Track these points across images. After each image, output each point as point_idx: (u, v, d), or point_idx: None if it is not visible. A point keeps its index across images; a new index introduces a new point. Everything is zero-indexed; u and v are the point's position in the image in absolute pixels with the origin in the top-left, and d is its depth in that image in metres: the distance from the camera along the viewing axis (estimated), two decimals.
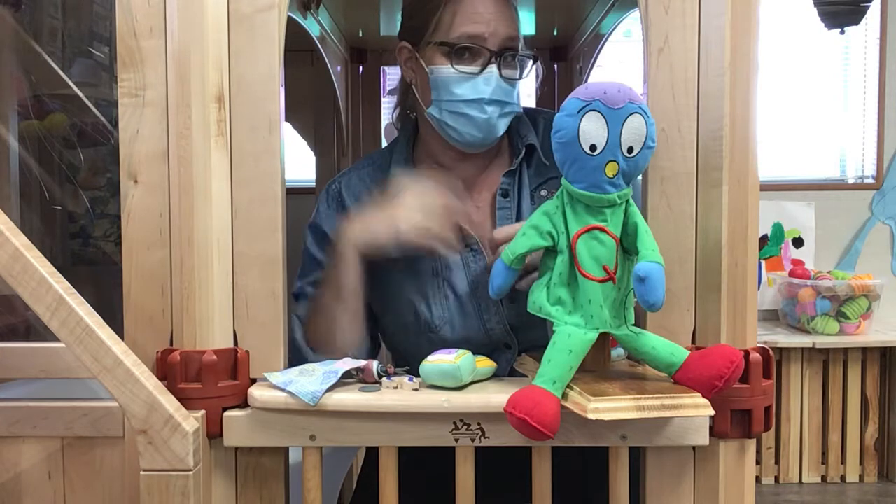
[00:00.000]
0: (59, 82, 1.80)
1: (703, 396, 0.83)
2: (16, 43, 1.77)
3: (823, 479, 2.95)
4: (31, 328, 1.32)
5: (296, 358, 1.07)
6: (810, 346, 2.85)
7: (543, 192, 1.14)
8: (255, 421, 0.91)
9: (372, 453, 1.24)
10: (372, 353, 1.19)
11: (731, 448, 0.92)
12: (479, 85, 1.08)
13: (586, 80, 1.76)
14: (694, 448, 0.93)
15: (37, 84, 1.79)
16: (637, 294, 0.81)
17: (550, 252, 0.90)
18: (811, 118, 3.33)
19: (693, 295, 0.94)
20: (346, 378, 0.94)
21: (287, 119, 1.01)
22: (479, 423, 0.89)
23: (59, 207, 1.90)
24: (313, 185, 2.07)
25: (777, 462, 2.94)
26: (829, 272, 2.98)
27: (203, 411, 0.89)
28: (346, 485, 1.76)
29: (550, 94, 2.01)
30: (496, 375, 0.99)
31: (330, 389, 0.90)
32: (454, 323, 1.11)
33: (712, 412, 0.83)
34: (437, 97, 1.10)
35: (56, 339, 0.82)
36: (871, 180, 3.24)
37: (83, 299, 0.83)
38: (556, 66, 1.99)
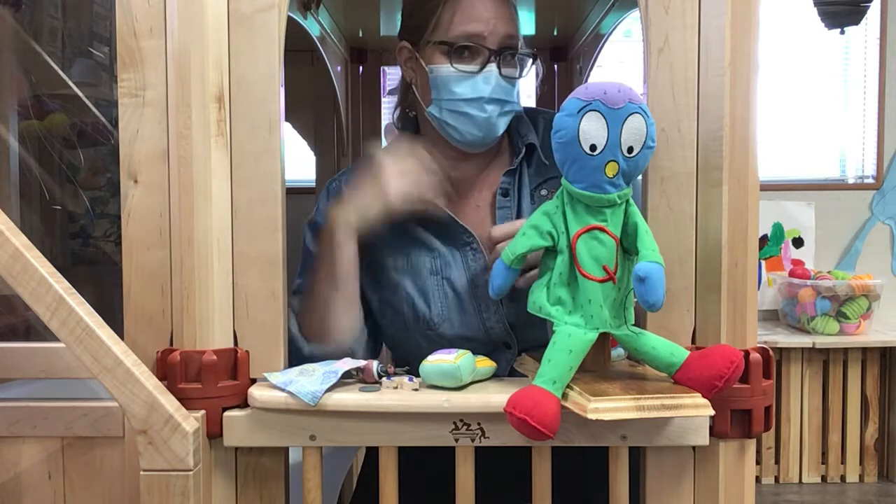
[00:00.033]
0: (59, 82, 1.80)
1: (703, 396, 0.83)
2: (16, 43, 1.77)
3: (823, 479, 2.95)
4: (31, 328, 1.32)
5: (291, 349, 1.08)
6: (810, 346, 2.85)
7: (544, 192, 1.14)
8: (255, 421, 0.91)
9: (372, 453, 1.24)
10: (373, 351, 1.18)
11: (731, 448, 0.92)
12: (478, 84, 1.08)
13: (586, 80, 1.76)
14: (694, 448, 0.93)
15: (37, 84, 1.79)
16: (637, 294, 0.81)
17: (550, 252, 0.90)
18: (811, 118, 3.33)
19: (693, 295, 0.94)
20: (346, 378, 0.94)
21: (287, 119, 1.01)
22: (479, 423, 0.89)
23: (59, 207, 1.90)
24: (313, 185, 2.07)
25: (777, 462, 2.94)
26: (829, 272, 2.98)
27: (203, 411, 0.89)
28: (346, 485, 1.76)
29: (550, 94, 2.00)
30: (496, 375, 0.99)
31: (330, 389, 0.90)
32: (453, 320, 1.11)
33: (712, 412, 0.83)
34: (436, 96, 1.10)
35: (56, 339, 0.82)
36: (871, 180, 3.24)
37: (83, 299, 0.83)
38: (556, 66, 1.99)
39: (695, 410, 0.82)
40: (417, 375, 0.92)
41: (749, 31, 0.91)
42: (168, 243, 0.93)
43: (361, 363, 0.94)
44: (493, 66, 1.08)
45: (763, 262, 3.19)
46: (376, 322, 1.18)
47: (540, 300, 0.89)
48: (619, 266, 0.86)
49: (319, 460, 0.92)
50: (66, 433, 0.94)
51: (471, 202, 1.17)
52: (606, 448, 0.92)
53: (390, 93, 1.61)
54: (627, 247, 0.87)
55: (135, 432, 0.82)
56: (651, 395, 0.82)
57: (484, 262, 1.10)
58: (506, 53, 1.09)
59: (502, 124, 1.11)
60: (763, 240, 3.19)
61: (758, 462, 2.91)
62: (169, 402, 0.83)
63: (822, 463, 2.95)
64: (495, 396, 0.88)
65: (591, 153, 0.84)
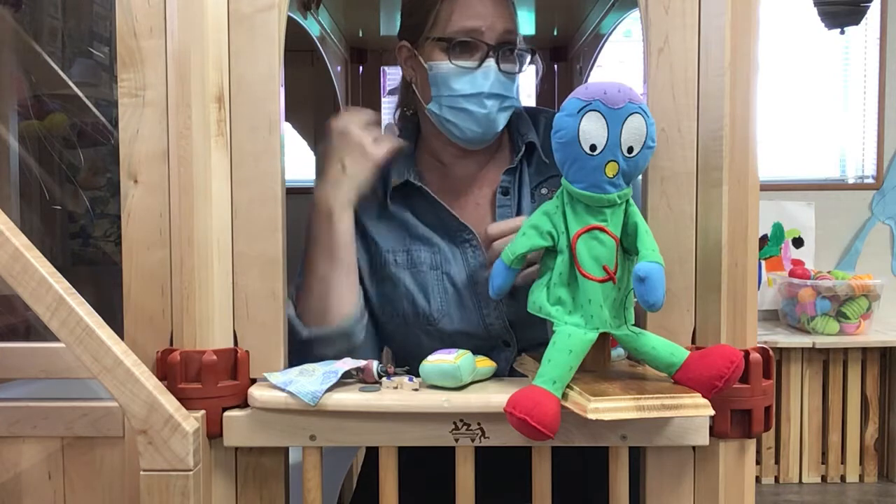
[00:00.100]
0: (59, 82, 1.80)
1: (703, 396, 0.83)
2: (16, 43, 1.77)
3: (823, 479, 2.95)
4: (31, 328, 1.32)
5: (290, 334, 1.08)
6: (810, 346, 2.85)
7: (544, 191, 1.14)
8: (255, 421, 0.91)
9: (372, 453, 1.24)
10: (375, 351, 1.18)
11: (731, 448, 0.92)
12: (477, 79, 1.08)
13: (586, 80, 1.76)
14: (694, 448, 0.93)
15: (37, 84, 1.79)
16: (637, 294, 0.81)
17: (550, 252, 0.90)
18: (811, 118, 3.33)
19: (693, 295, 0.94)
20: (346, 378, 0.94)
21: (287, 119, 1.01)
22: (479, 423, 0.89)
23: (59, 207, 1.90)
24: (313, 185, 2.06)
25: (777, 462, 2.94)
26: (829, 272, 2.98)
27: (203, 411, 0.89)
28: (346, 485, 1.76)
29: (550, 93, 2.00)
30: (496, 374, 0.99)
31: (330, 389, 0.90)
32: (453, 316, 1.11)
33: (712, 412, 0.83)
34: (436, 93, 1.10)
35: (56, 339, 0.82)
36: (871, 180, 3.24)
37: (83, 299, 0.83)
38: (556, 66, 1.99)
39: (695, 410, 0.82)
40: (417, 375, 0.92)
41: (749, 31, 0.91)
42: (168, 243, 0.93)
43: (361, 363, 0.95)
44: (491, 62, 1.08)
45: (763, 262, 3.19)
46: (378, 321, 1.18)
47: (540, 300, 0.89)
48: (619, 266, 0.86)
49: (319, 460, 0.92)
50: (66, 433, 0.94)
51: (471, 200, 1.17)
52: (606, 448, 0.92)
53: (390, 93, 1.61)
54: (627, 247, 0.87)
55: (135, 432, 0.82)
56: (651, 395, 0.82)
57: (484, 259, 1.11)
58: (504, 49, 1.09)
59: (502, 120, 1.11)
60: (763, 240, 3.19)
61: (758, 462, 2.91)
62: (169, 402, 0.83)
63: (822, 463, 2.96)
64: (495, 396, 0.88)
65: (591, 153, 0.84)
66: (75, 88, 1.80)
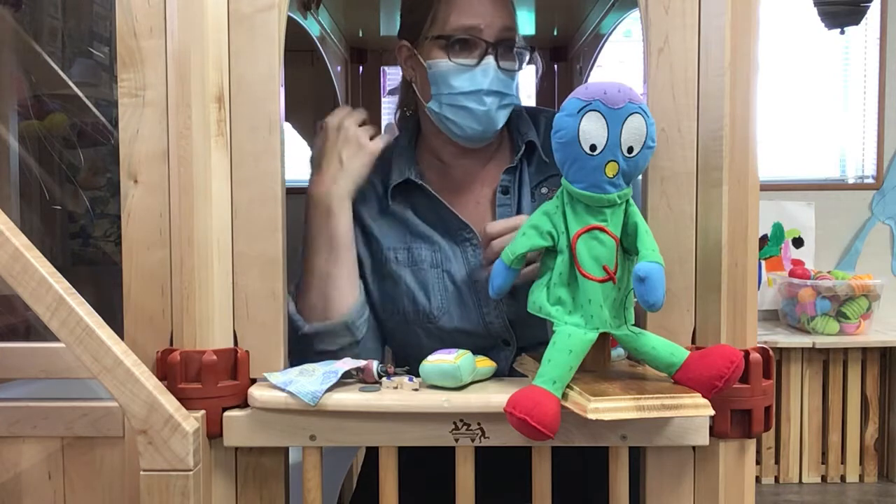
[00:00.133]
0: (59, 82, 1.80)
1: (703, 396, 0.83)
2: (16, 43, 1.77)
3: (823, 479, 2.95)
4: (31, 328, 1.32)
5: (290, 331, 1.08)
6: (810, 346, 2.85)
7: (544, 190, 1.14)
8: (255, 421, 0.91)
9: (372, 453, 1.24)
10: (379, 343, 1.18)
11: (731, 448, 0.92)
12: (476, 76, 1.08)
13: (586, 80, 1.76)
14: (694, 448, 0.93)
15: (37, 84, 1.79)
16: (637, 294, 0.81)
17: (550, 252, 0.90)
18: (811, 118, 3.33)
19: (693, 295, 0.94)
20: (346, 378, 0.94)
21: (287, 119, 1.01)
22: (479, 423, 0.89)
23: (59, 207, 1.90)
24: (307, 186, 2.06)
25: (777, 462, 2.94)
26: (829, 272, 2.98)
27: (203, 411, 0.89)
28: (346, 484, 1.76)
29: (550, 93, 2.00)
30: (496, 374, 0.99)
31: (330, 389, 0.90)
32: (453, 313, 1.11)
33: (712, 412, 0.83)
34: (436, 91, 1.11)
35: (56, 339, 0.82)
36: (871, 180, 3.24)
37: (83, 299, 0.83)
38: (556, 66, 1.99)
39: (695, 410, 0.82)
40: (417, 375, 0.92)
41: (749, 31, 0.91)
42: (168, 243, 0.93)
43: (361, 363, 0.95)
44: (490, 59, 1.08)
45: (763, 262, 3.19)
46: (380, 318, 1.18)
47: (540, 300, 0.89)
48: (619, 266, 0.86)
49: (319, 460, 0.92)
50: (66, 433, 0.94)
51: (471, 198, 1.17)
52: (606, 448, 0.92)
53: (390, 93, 1.62)
54: (627, 247, 0.87)
55: (135, 432, 0.82)
56: (651, 395, 0.82)
57: None
58: (503, 46, 1.09)
59: (501, 117, 1.11)
60: (763, 240, 3.19)
61: (758, 462, 2.91)
62: (169, 402, 0.83)
63: (822, 463, 2.96)
64: (495, 396, 0.88)
65: (591, 153, 0.84)
66: (75, 88, 1.80)
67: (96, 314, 0.83)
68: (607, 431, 0.90)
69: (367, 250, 1.15)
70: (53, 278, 0.82)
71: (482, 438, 0.90)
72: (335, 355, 1.05)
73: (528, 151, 1.17)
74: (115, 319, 0.88)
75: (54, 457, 0.95)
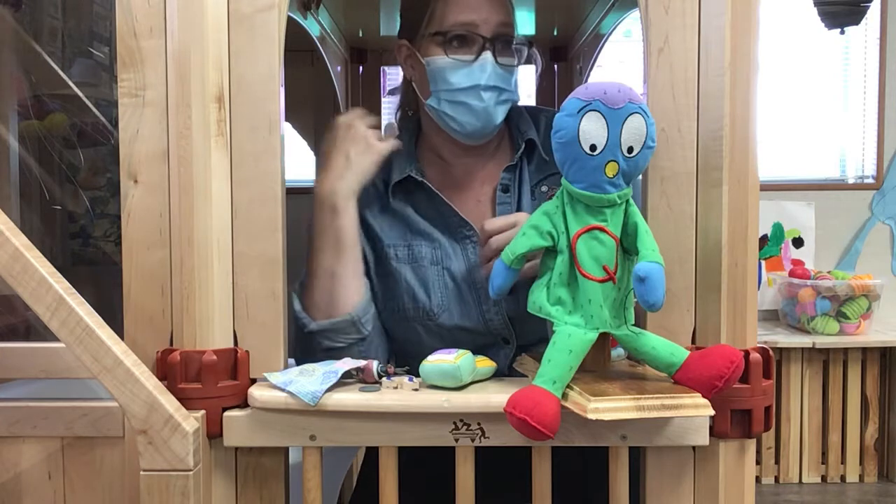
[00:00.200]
0: (59, 82, 1.80)
1: (703, 396, 0.83)
2: (16, 43, 1.77)
3: (823, 479, 2.95)
4: (31, 328, 1.32)
5: (296, 329, 1.08)
6: (810, 346, 2.85)
7: (544, 188, 1.15)
8: (255, 421, 0.91)
9: (372, 453, 1.24)
10: (384, 341, 1.18)
11: (731, 448, 0.92)
12: (474, 72, 1.08)
13: (586, 80, 1.76)
14: (694, 448, 0.93)
15: (37, 84, 1.79)
16: (637, 294, 0.81)
17: (550, 252, 0.90)
18: (811, 118, 3.33)
19: (693, 295, 0.94)
20: (346, 378, 0.94)
21: (287, 119, 1.01)
22: (479, 423, 0.89)
23: (59, 207, 1.90)
24: (313, 185, 2.06)
25: (777, 462, 2.94)
26: (829, 272, 2.98)
27: (203, 411, 0.89)
28: (346, 484, 1.76)
29: (550, 93, 2.01)
30: (495, 372, 0.99)
31: (330, 389, 0.90)
32: (453, 311, 1.11)
33: (712, 412, 0.83)
34: (434, 88, 1.11)
35: (56, 339, 0.82)
36: (871, 180, 3.24)
37: (83, 299, 0.83)
38: (556, 66, 1.99)
39: (695, 410, 0.82)
40: (417, 375, 0.93)
41: (749, 31, 0.91)
42: (168, 243, 0.93)
43: (361, 363, 0.95)
44: (487, 54, 1.08)
45: (763, 262, 3.19)
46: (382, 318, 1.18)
47: (540, 300, 0.89)
48: (619, 266, 0.86)
49: (319, 460, 0.92)
50: (66, 433, 0.94)
51: (472, 196, 1.18)
52: (606, 448, 0.92)
53: (390, 93, 1.62)
54: (627, 247, 0.87)
55: (135, 432, 0.82)
56: (651, 395, 0.82)
57: None
58: (501, 41, 1.10)
59: (500, 113, 1.12)
60: (763, 240, 3.19)
61: (758, 462, 2.91)
62: (169, 402, 0.83)
63: (822, 463, 2.95)
64: (495, 396, 0.88)
65: (591, 153, 0.84)
66: (75, 88, 1.80)
67: (96, 314, 0.83)
68: (607, 431, 0.90)
69: (369, 247, 1.15)
70: (53, 278, 0.82)
71: (482, 438, 0.90)
72: (342, 353, 1.05)
73: (529, 150, 1.17)
74: (115, 319, 0.88)
75: (54, 457, 0.95)
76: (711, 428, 0.91)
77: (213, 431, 0.90)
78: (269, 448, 0.94)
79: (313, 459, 0.92)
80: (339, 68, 1.84)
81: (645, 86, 0.94)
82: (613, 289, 0.86)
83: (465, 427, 0.90)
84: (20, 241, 0.82)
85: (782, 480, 2.94)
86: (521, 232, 0.91)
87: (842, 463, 2.94)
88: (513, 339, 1.12)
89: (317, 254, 1.08)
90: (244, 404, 0.92)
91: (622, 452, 0.91)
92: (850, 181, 3.31)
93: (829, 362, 2.92)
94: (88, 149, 1.87)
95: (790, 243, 3.20)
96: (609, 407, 0.80)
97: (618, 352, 0.96)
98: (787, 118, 3.29)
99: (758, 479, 2.91)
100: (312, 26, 1.49)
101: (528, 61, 1.18)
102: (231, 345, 0.93)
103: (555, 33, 1.90)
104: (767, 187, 3.03)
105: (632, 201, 0.88)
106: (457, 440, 0.90)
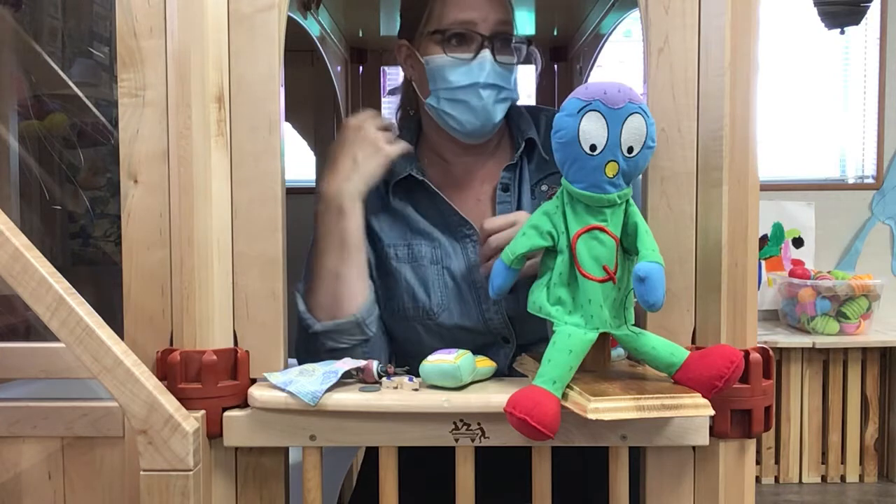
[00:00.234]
0: (59, 82, 1.80)
1: (703, 396, 0.83)
2: (16, 43, 1.77)
3: (823, 479, 2.95)
4: (31, 328, 1.32)
5: (300, 330, 1.08)
6: (810, 346, 2.85)
7: (544, 188, 1.15)
8: (255, 421, 0.91)
9: (372, 453, 1.24)
10: (387, 342, 1.17)
11: (731, 448, 0.92)
12: (473, 70, 1.08)
13: (586, 80, 1.76)
14: (694, 448, 0.93)
15: (37, 84, 1.79)
16: (637, 294, 0.81)
17: (550, 252, 0.90)
18: (811, 118, 3.33)
19: (693, 295, 0.94)
20: (346, 378, 0.94)
21: (287, 119, 1.01)
22: (479, 423, 0.89)
23: (59, 207, 1.90)
24: (313, 185, 2.06)
25: (777, 462, 2.94)
26: (829, 272, 2.98)
27: (203, 411, 0.89)
28: (346, 484, 1.76)
29: (550, 93, 2.01)
30: (495, 372, 0.99)
31: (330, 389, 0.90)
32: (453, 310, 1.11)
33: (712, 412, 0.83)
34: (433, 86, 1.11)
35: (56, 339, 0.82)
36: (871, 180, 3.24)
37: (83, 299, 0.83)
38: (556, 66, 1.99)
39: (695, 410, 0.82)
40: (417, 375, 0.93)
41: (749, 31, 0.91)
42: (168, 243, 0.93)
43: (361, 363, 0.95)
44: (486, 52, 1.09)
45: (763, 262, 3.19)
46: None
47: (540, 300, 0.89)
48: (619, 266, 0.86)
49: (319, 460, 0.92)
50: (66, 433, 0.94)
51: (472, 195, 1.18)
52: (606, 448, 0.92)
53: (390, 93, 1.62)
54: (627, 247, 0.87)
55: (135, 432, 0.82)
56: (651, 395, 0.82)
57: None
58: (499, 39, 1.10)
59: (499, 111, 1.12)
60: (763, 240, 3.19)
61: (758, 462, 2.90)
62: (169, 402, 0.83)
63: (822, 463, 2.95)
64: (495, 396, 0.88)
65: (591, 153, 0.84)
66: (75, 88, 1.80)
67: (96, 314, 0.83)
68: (607, 431, 0.90)
69: (370, 247, 1.15)
70: (53, 278, 0.82)
71: (482, 438, 0.90)
72: (346, 354, 1.05)
73: (529, 149, 1.17)
74: (115, 319, 0.88)
75: (54, 457, 0.95)
76: (711, 428, 0.91)
77: (213, 431, 0.90)
78: (269, 448, 0.94)
79: (313, 459, 0.92)
80: (339, 68, 1.84)
81: (645, 86, 0.94)
82: (613, 289, 0.86)
83: (465, 427, 0.90)
84: (20, 241, 0.82)
85: (782, 480, 2.94)
86: (521, 232, 0.91)
87: (842, 463, 2.94)
88: (513, 338, 1.13)
89: (322, 254, 1.08)
90: (244, 404, 0.92)
91: (622, 452, 0.91)
92: (850, 181, 3.31)
93: (829, 362, 2.92)
94: (88, 149, 1.87)
95: (790, 243, 3.20)
96: (609, 407, 0.80)
97: (618, 352, 0.96)
98: (787, 118, 3.29)
99: (758, 479, 2.91)
100: (312, 26, 1.49)
101: (528, 60, 1.18)
102: (231, 345, 0.93)
103: (555, 33, 1.90)
104: (767, 187, 3.03)
105: (632, 201, 0.88)
106: (457, 440, 0.90)
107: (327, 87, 1.82)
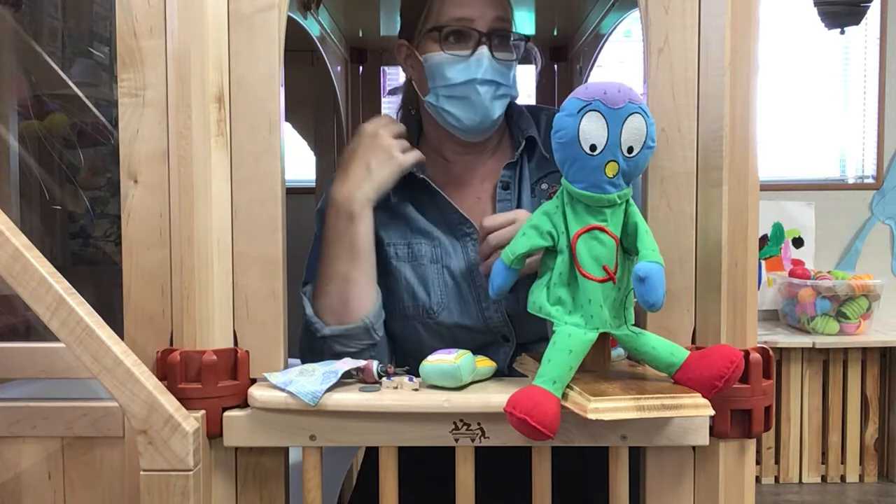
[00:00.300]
0: (59, 82, 1.80)
1: (703, 396, 0.83)
2: (16, 43, 1.77)
3: (823, 479, 2.95)
4: (31, 328, 1.32)
5: (307, 333, 1.08)
6: (810, 346, 2.85)
7: (544, 186, 1.15)
8: (255, 421, 0.91)
9: (372, 453, 1.24)
10: (389, 344, 1.18)
11: (731, 448, 0.92)
12: (471, 66, 1.09)
13: (586, 80, 1.76)
14: (694, 448, 0.93)
15: (37, 84, 1.79)
16: (637, 294, 0.81)
17: (550, 252, 0.90)
18: (811, 118, 3.33)
19: (693, 295, 0.94)
20: (346, 378, 0.94)
21: (287, 119, 1.01)
22: (479, 423, 0.89)
23: (59, 207, 1.90)
24: (313, 185, 2.07)
25: (777, 462, 2.94)
26: (829, 272, 2.98)
27: (203, 411, 0.89)
28: (346, 484, 1.76)
29: (550, 93, 2.01)
30: (495, 371, 0.99)
31: (330, 389, 0.90)
32: (452, 309, 1.11)
33: (712, 412, 0.83)
34: (432, 84, 1.11)
35: (56, 339, 0.82)
36: (871, 180, 3.24)
37: (83, 299, 0.83)
38: (556, 66, 1.99)
39: (695, 410, 0.82)
40: (417, 375, 0.93)
41: (749, 31, 0.91)
42: (168, 243, 0.93)
43: (361, 363, 0.95)
44: (484, 49, 1.09)
45: (763, 262, 3.19)
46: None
47: (540, 300, 0.89)
48: (619, 266, 0.86)
49: (319, 460, 0.92)
50: (66, 433, 0.94)
51: (472, 194, 1.18)
52: (606, 448, 0.92)
53: (391, 93, 1.62)
54: (627, 247, 0.87)
55: (135, 432, 0.82)
56: (651, 395, 0.82)
57: None
58: (497, 36, 1.10)
59: (498, 107, 1.12)
60: (763, 240, 3.19)
61: (758, 462, 2.90)
62: (169, 402, 0.83)
63: (822, 463, 2.95)
64: (495, 396, 0.88)
65: (591, 153, 0.84)
66: (75, 88, 1.80)
67: (96, 314, 0.83)
68: (607, 431, 0.90)
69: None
70: (53, 278, 0.82)
71: (482, 438, 0.90)
72: (353, 357, 1.05)
73: (529, 147, 1.17)
74: (115, 319, 0.88)
75: (54, 457, 0.95)
76: (711, 428, 0.91)
77: (213, 431, 0.90)
78: (269, 448, 0.94)
79: (313, 459, 0.92)
80: (339, 68, 1.84)
81: (645, 86, 0.94)
82: (613, 289, 0.86)
83: (465, 427, 0.90)
84: (20, 241, 0.82)
85: (782, 480, 2.94)
86: (521, 232, 0.91)
87: (842, 463, 2.94)
88: (512, 337, 1.13)
89: (331, 259, 1.08)
90: (244, 404, 0.92)
91: (622, 452, 0.91)
92: (850, 181, 3.31)
93: (829, 362, 2.92)
94: (88, 149, 1.87)
95: (790, 243, 3.20)
96: (609, 407, 0.80)
97: (618, 352, 0.96)
98: (787, 118, 3.29)
99: (758, 479, 2.91)
100: (312, 26, 1.49)
101: (528, 59, 1.18)
102: (231, 345, 0.93)
103: (555, 33, 1.90)
104: (767, 187, 3.03)
105: (632, 201, 0.88)
106: (457, 440, 0.90)
107: (327, 87, 1.82)
